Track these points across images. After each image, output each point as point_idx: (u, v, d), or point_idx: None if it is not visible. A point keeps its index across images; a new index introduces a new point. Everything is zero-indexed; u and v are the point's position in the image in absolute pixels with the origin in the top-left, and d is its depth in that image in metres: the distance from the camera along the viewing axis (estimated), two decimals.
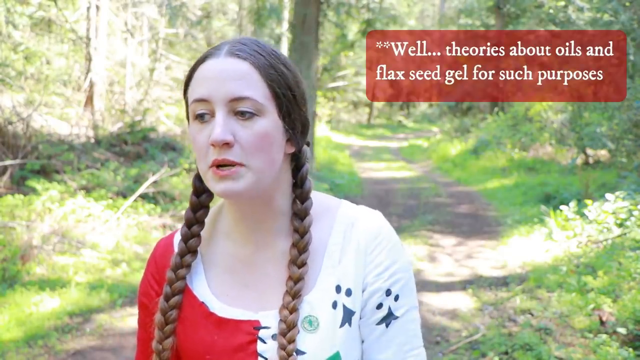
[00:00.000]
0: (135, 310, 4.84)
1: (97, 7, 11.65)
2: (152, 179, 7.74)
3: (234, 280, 1.10)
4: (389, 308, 1.06)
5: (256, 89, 0.99)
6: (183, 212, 7.43)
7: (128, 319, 4.69)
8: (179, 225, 1.45)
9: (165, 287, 1.09)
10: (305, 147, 1.11)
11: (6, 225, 5.89)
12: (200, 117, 1.00)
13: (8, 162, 7.46)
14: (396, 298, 1.07)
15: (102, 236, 6.41)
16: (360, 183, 12.28)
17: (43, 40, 12.19)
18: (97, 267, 5.81)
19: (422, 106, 39.90)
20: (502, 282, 5.78)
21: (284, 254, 1.09)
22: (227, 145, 0.97)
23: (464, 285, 5.74)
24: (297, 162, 1.11)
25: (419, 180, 13.09)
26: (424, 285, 5.68)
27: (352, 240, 1.08)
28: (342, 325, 1.05)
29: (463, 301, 5.29)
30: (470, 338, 4.43)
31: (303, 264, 1.05)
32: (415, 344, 1.08)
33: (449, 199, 10.52)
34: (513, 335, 4.41)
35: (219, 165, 0.98)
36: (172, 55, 15.62)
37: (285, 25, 17.99)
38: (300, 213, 1.08)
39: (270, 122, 1.01)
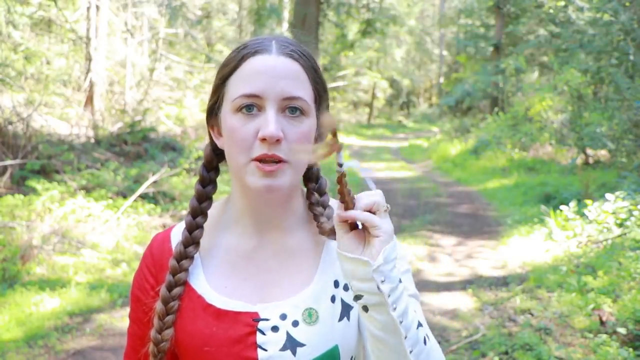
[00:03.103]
0: None
1: (97, 7, 11.65)
2: (152, 179, 7.74)
3: (232, 272, 1.11)
4: None
5: (306, 90, 1.04)
6: (183, 212, 7.48)
7: (128, 319, 4.68)
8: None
9: (167, 276, 1.09)
10: None
11: (6, 225, 5.89)
12: (246, 109, 1.01)
13: (8, 162, 7.46)
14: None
15: (102, 236, 6.41)
16: (360, 183, 12.27)
17: (43, 40, 12.19)
18: (97, 267, 5.81)
19: (422, 106, 39.95)
20: (502, 282, 5.78)
21: (287, 251, 1.11)
22: (277, 141, 0.99)
23: (464, 285, 5.74)
24: None
25: (419, 180, 13.09)
26: (424, 285, 5.68)
27: None
28: (340, 319, 1.07)
29: (463, 301, 5.29)
30: (470, 338, 4.43)
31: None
32: (410, 290, 1.10)
33: (449, 199, 10.52)
34: (513, 335, 4.41)
35: (263, 160, 1.00)
36: (172, 55, 15.62)
37: (285, 25, 18.00)
38: (321, 202, 1.13)
39: (312, 122, 1.05)
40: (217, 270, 1.11)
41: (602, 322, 4.33)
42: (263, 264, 1.11)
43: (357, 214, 0.92)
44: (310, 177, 1.16)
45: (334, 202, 1.17)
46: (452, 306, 5.16)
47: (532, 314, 4.82)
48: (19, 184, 7.43)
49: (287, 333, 1.04)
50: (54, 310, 4.73)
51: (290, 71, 1.02)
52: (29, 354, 4.04)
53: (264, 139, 0.99)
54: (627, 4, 9.26)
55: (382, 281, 0.91)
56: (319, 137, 1.10)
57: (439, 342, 4.40)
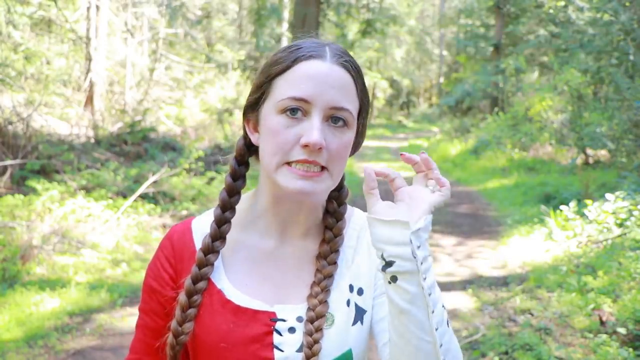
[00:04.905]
0: (135, 310, 4.85)
1: (97, 7, 11.65)
2: (152, 179, 7.74)
3: (252, 270, 1.11)
4: None
5: (353, 103, 1.04)
6: (183, 213, 7.48)
7: (128, 319, 4.69)
8: None
9: (194, 268, 1.09)
10: None
11: (6, 225, 5.89)
12: (290, 112, 1.01)
13: (8, 162, 7.46)
14: None
15: (102, 236, 6.41)
16: (360, 183, 12.27)
17: (43, 40, 12.18)
18: (97, 267, 5.81)
19: (422, 106, 39.94)
20: (502, 282, 5.78)
21: (307, 252, 1.12)
22: (319, 149, 0.99)
23: (464, 285, 5.74)
24: None
25: None
26: None
27: (363, 244, 1.15)
28: (354, 323, 1.08)
29: (463, 301, 5.29)
30: (470, 338, 4.43)
31: (333, 262, 1.10)
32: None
33: (449, 199, 10.51)
34: (513, 335, 4.41)
35: (300, 163, 1.00)
36: (172, 55, 15.62)
37: (285, 25, 18.00)
38: (336, 214, 1.14)
39: (352, 134, 1.06)
40: (238, 267, 1.12)
41: (602, 322, 4.33)
42: (283, 265, 1.11)
43: (435, 172, 1.00)
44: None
45: (359, 214, 1.19)
46: (452, 306, 5.16)
47: (532, 314, 4.82)
48: (19, 184, 7.43)
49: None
50: (54, 310, 4.73)
51: (342, 81, 1.02)
52: (29, 354, 4.04)
53: (306, 146, 0.98)
54: (627, 4, 9.26)
55: (418, 247, 0.93)
56: (353, 148, 1.10)
57: None
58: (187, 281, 1.08)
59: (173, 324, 1.08)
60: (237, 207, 1.14)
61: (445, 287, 5.72)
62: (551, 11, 14.33)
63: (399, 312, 0.95)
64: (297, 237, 1.12)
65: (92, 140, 10.03)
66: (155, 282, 1.14)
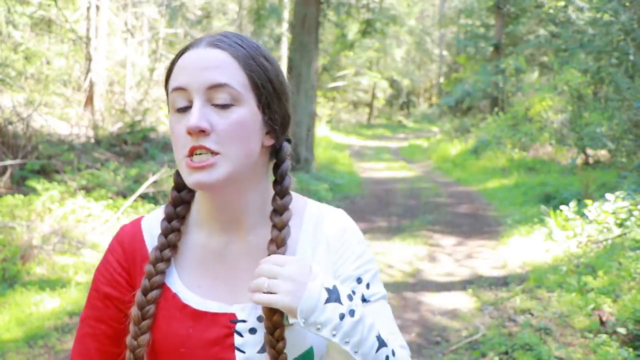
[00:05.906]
0: None
1: (97, 7, 11.65)
2: (152, 179, 7.74)
3: (205, 272, 1.09)
4: (362, 295, 1.09)
5: (234, 78, 0.99)
6: None
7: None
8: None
9: (143, 281, 1.06)
10: (286, 143, 1.12)
11: (6, 225, 5.89)
12: (180, 109, 1.00)
13: (8, 162, 7.46)
14: (367, 286, 1.10)
15: (102, 236, 6.41)
16: (360, 183, 12.28)
17: (43, 40, 12.19)
18: None
19: (422, 106, 39.95)
20: (502, 282, 5.78)
21: (257, 249, 1.09)
22: (203, 132, 0.97)
23: (464, 285, 5.74)
24: (277, 158, 1.12)
25: (419, 180, 13.09)
26: (424, 285, 5.68)
27: (321, 240, 1.11)
28: None
29: (463, 301, 5.29)
30: (470, 338, 4.43)
31: None
32: (392, 329, 1.10)
33: (449, 199, 10.52)
34: (513, 335, 4.41)
35: (194, 153, 0.98)
36: (172, 55, 15.61)
37: (285, 25, 17.99)
38: (279, 209, 1.09)
39: (247, 112, 1.01)
40: (190, 269, 1.09)
41: (602, 322, 4.33)
42: (234, 263, 1.09)
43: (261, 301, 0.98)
44: (277, 178, 1.12)
45: (311, 207, 1.15)
46: (452, 306, 5.16)
47: (532, 314, 4.82)
48: (19, 184, 7.43)
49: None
50: (54, 310, 4.73)
51: (215, 61, 0.99)
52: (29, 354, 4.04)
53: (190, 133, 0.97)
54: (627, 4, 9.26)
55: (318, 329, 0.96)
56: (272, 131, 1.06)
57: (439, 343, 4.41)
58: (138, 294, 1.06)
59: (128, 339, 1.05)
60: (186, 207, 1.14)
61: (445, 287, 5.72)
62: (551, 11, 14.34)
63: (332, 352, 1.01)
64: (245, 234, 1.09)
65: (92, 140, 10.04)
66: (110, 288, 1.10)
